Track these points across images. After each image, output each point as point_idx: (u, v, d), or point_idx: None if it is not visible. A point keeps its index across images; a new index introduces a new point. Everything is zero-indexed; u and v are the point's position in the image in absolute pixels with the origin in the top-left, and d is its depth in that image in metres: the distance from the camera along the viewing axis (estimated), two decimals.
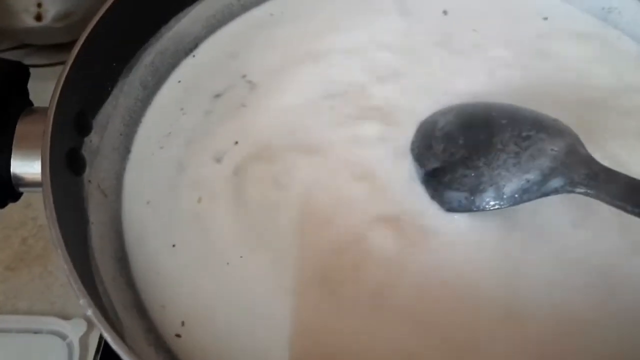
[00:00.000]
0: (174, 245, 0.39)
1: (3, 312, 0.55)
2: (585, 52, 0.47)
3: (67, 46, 0.67)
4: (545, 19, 0.49)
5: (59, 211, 0.33)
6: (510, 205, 0.36)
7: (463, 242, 0.38)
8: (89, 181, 0.39)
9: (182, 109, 0.45)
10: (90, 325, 0.53)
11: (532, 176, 0.35)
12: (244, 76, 0.46)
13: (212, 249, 0.39)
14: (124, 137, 0.43)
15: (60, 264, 0.31)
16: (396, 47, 0.47)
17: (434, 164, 0.39)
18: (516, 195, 0.35)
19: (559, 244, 0.37)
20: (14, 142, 0.36)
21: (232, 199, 0.40)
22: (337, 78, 0.45)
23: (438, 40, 0.47)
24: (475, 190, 0.37)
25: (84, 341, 0.53)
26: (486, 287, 0.36)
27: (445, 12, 0.49)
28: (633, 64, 0.47)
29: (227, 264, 0.38)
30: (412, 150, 0.41)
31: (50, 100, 0.35)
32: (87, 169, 0.39)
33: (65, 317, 0.54)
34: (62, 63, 0.66)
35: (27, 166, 0.36)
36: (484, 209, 0.37)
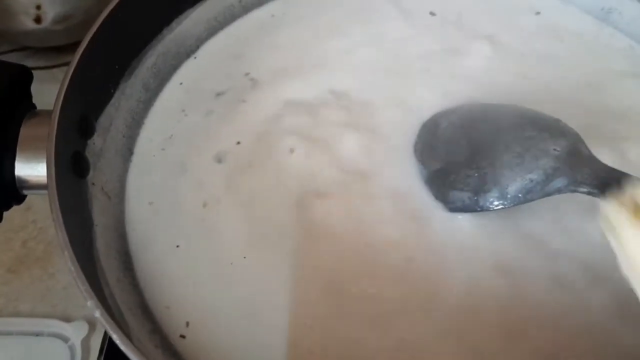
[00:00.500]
0: (177, 246, 0.39)
1: (4, 315, 0.55)
2: (581, 50, 0.47)
3: (66, 49, 0.67)
4: (538, 13, 0.50)
5: (65, 213, 0.33)
6: (514, 205, 0.36)
7: (465, 242, 0.38)
8: (93, 183, 0.39)
9: (183, 110, 0.45)
10: (92, 327, 0.53)
11: (535, 176, 0.35)
12: (247, 74, 0.46)
13: (215, 249, 0.39)
14: (126, 139, 0.43)
15: (66, 266, 0.31)
16: (395, 48, 0.47)
17: (437, 165, 0.39)
18: (520, 195, 0.36)
19: (562, 244, 0.38)
20: (18, 145, 0.36)
21: (234, 199, 0.40)
22: (338, 78, 0.45)
23: (436, 40, 0.48)
24: (479, 190, 0.37)
25: (85, 344, 0.52)
26: (488, 286, 0.36)
27: (440, 11, 0.50)
28: (627, 61, 0.47)
29: (231, 264, 0.38)
30: (415, 150, 0.41)
31: (55, 103, 0.35)
32: (91, 172, 0.39)
33: (67, 320, 0.54)
34: (61, 66, 0.67)
35: (31, 169, 0.36)
36: (487, 209, 0.37)
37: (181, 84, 0.47)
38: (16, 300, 0.56)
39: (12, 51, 0.69)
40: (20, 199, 0.38)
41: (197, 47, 0.48)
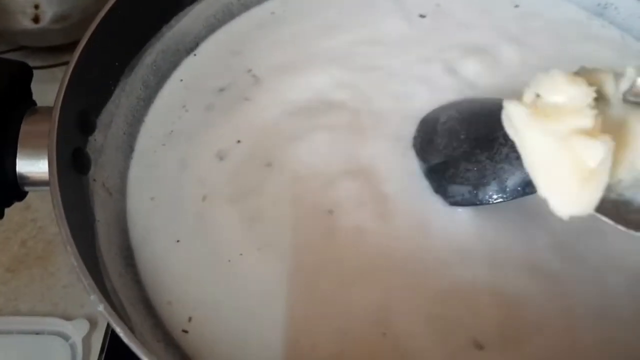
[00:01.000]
0: (178, 241, 0.39)
1: (4, 314, 0.55)
2: (574, 44, 0.48)
3: (64, 48, 0.67)
4: (517, 6, 0.50)
5: (67, 210, 0.33)
6: (513, 198, 0.36)
7: (465, 235, 0.38)
8: (94, 180, 0.39)
9: (184, 107, 0.45)
10: (93, 325, 0.53)
11: None
12: (249, 70, 0.46)
13: (214, 246, 0.39)
14: (127, 135, 0.43)
15: (67, 264, 0.31)
16: (394, 44, 0.47)
17: (436, 159, 0.39)
18: (519, 188, 0.36)
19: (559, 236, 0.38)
20: (19, 142, 0.36)
21: (233, 195, 0.40)
22: (338, 74, 0.45)
23: (434, 38, 0.48)
24: (479, 184, 0.37)
25: (86, 341, 0.53)
26: (481, 279, 0.37)
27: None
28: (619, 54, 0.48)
29: (229, 261, 0.38)
30: (415, 145, 0.41)
31: (55, 100, 0.36)
32: (92, 168, 0.39)
33: (68, 318, 0.54)
34: (59, 65, 0.67)
35: (32, 165, 0.36)
36: (487, 203, 0.37)
37: (181, 80, 0.47)
38: (15, 299, 0.56)
39: (10, 51, 0.69)
40: (21, 195, 0.38)
41: (197, 45, 0.49)
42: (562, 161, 0.30)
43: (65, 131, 0.36)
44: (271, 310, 0.36)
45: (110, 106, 0.42)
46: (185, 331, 0.36)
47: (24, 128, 0.37)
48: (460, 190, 0.38)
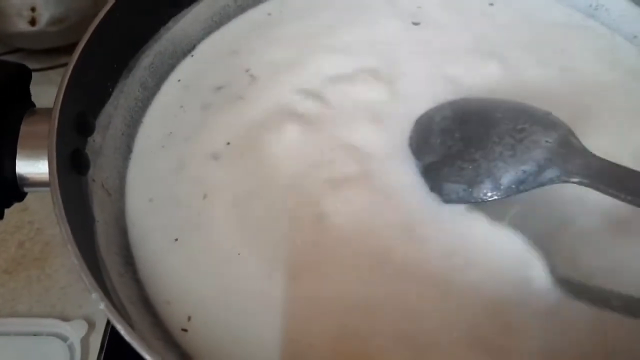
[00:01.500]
0: (176, 239, 0.39)
1: (2, 316, 0.55)
2: (569, 44, 0.48)
3: (61, 50, 0.68)
4: (491, 4, 0.51)
5: (67, 210, 0.33)
6: (507, 196, 0.37)
7: (458, 232, 0.39)
8: (93, 180, 0.39)
9: (182, 107, 0.45)
10: (92, 326, 0.53)
11: (528, 167, 0.36)
12: (247, 70, 0.47)
13: (211, 246, 0.39)
14: (125, 136, 0.44)
15: (65, 266, 0.31)
16: (389, 44, 0.48)
17: (432, 158, 0.40)
18: (513, 186, 0.36)
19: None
20: (18, 143, 0.37)
21: (230, 195, 0.41)
22: (334, 75, 0.46)
23: (433, 37, 0.49)
24: (473, 182, 0.37)
25: (85, 342, 0.53)
26: (475, 278, 0.37)
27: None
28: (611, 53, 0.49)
29: (227, 260, 0.38)
30: (410, 144, 0.42)
31: (55, 101, 0.36)
32: (91, 169, 0.40)
33: (66, 319, 0.54)
34: (56, 67, 0.67)
35: (32, 166, 0.37)
36: (482, 200, 0.37)
37: (179, 80, 0.47)
38: (13, 300, 0.56)
39: (6, 53, 0.69)
40: (21, 196, 0.38)
41: (194, 46, 0.49)
42: None
43: (65, 132, 0.36)
44: (270, 309, 0.36)
45: (108, 108, 0.43)
46: (184, 330, 0.36)
47: (23, 129, 0.37)
48: (455, 188, 0.38)
